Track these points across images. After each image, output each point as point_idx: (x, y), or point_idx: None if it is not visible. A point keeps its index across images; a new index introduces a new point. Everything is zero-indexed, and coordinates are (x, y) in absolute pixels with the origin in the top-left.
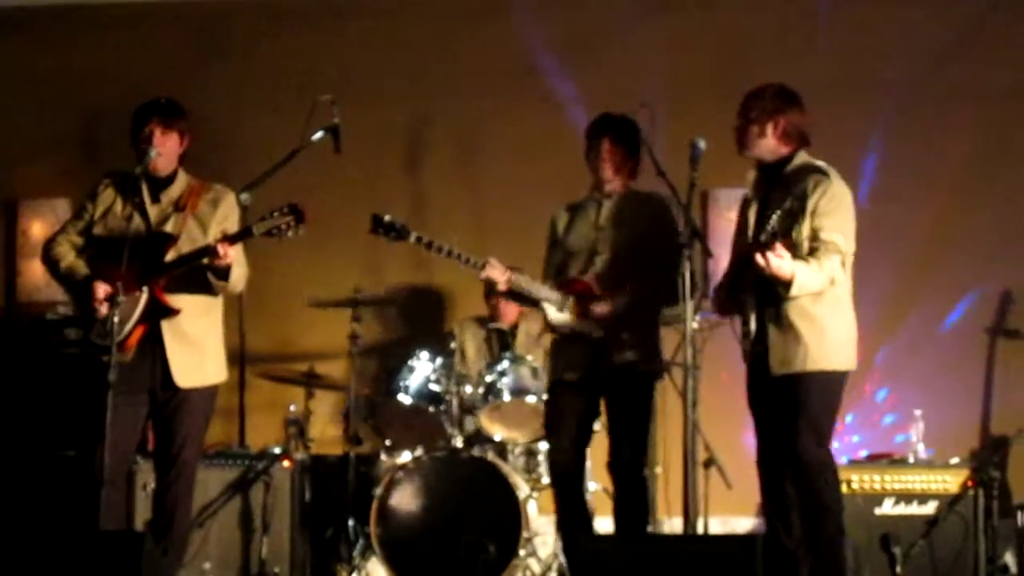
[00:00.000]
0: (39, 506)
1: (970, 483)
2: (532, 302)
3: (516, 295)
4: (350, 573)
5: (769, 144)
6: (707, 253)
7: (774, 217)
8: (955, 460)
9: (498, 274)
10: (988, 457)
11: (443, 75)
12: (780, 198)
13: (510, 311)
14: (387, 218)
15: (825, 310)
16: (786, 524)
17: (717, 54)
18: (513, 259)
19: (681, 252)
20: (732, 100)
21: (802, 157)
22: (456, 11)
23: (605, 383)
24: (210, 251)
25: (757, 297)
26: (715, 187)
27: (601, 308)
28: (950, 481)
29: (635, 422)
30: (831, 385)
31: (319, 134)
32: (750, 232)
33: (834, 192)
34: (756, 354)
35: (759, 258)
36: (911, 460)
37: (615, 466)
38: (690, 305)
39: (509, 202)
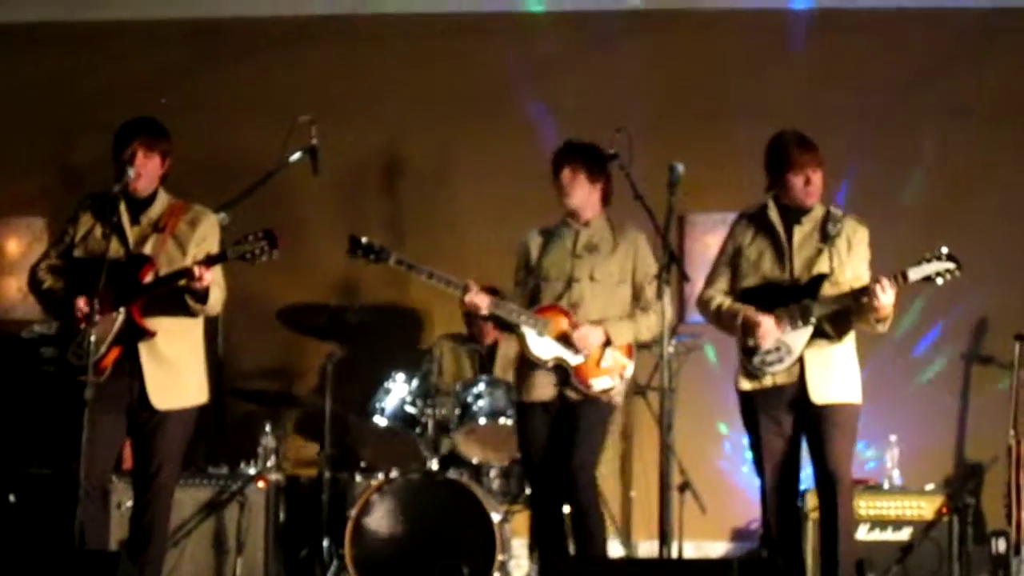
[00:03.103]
0: (14, 524)
1: (945, 510)
2: (509, 327)
3: (496, 319)
4: None
5: None
6: (684, 277)
7: (827, 257)
8: (930, 486)
9: (479, 299)
10: (963, 484)
11: (420, 96)
12: (815, 238)
13: (489, 330)
14: (364, 240)
15: (853, 348)
16: (799, 543)
17: (692, 79)
18: (490, 280)
19: (658, 281)
20: (707, 125)
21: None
22: (434, 32)
23: (574, 406)
24: (187, 274)
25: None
26: (692, 211)
27: (582, 333)
28: (925, 507)
29: (592, 441)
30: (858, 415)
31: (297, 155)
32: (787, 265)
33: (868, 240)
34: (780, 382)
35: (880, 289)
36: (886, 486)
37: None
38: (666, 329)
39: (486, 223)
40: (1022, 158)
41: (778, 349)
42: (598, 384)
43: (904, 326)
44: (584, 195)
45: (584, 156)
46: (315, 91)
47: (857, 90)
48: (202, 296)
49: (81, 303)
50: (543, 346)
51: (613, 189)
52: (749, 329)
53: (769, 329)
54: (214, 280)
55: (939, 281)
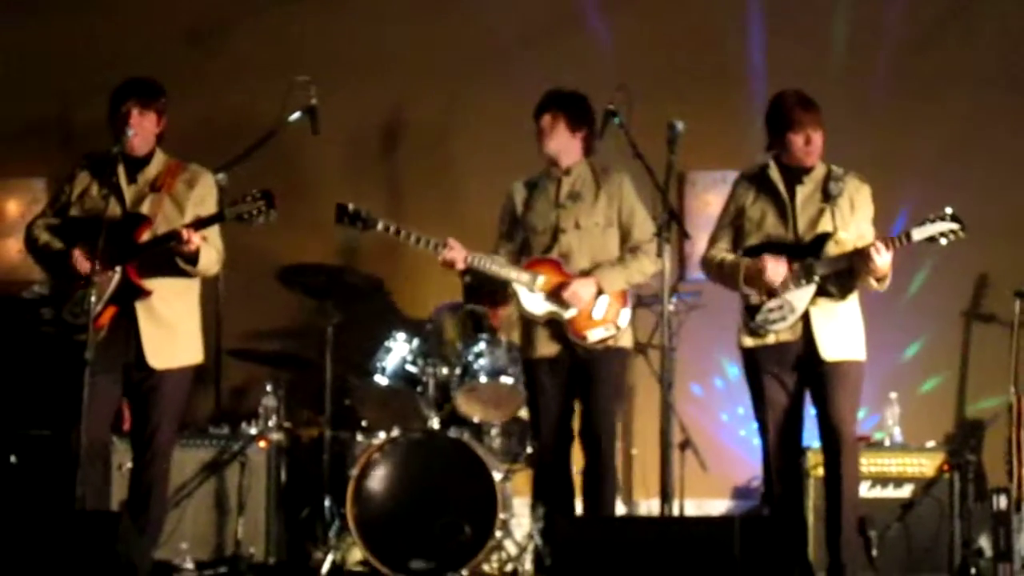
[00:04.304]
0: (15, 486)
1: (946, 467)
2: (499, 285)
3: (479, 278)
4: (325, 554)
5: None
6: (684, 235)
7: (829, 216)
8: (931, 444)
9: (455, 254)
10: (963, 441)
11: (422, 56)
12: (818, 198)
13: (495, 314)
14: (351, 207)
15: (857, 306)
16: (800, 501)
17: (692, 38)
18: (487, 241)
19: (658, 239)
20: (707, 83)
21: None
22: None
23: (580, 359)
24: (175, 236)
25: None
26: (691, 169)
27: (573, 290)
28: (926, 464)
29: (605, 395)
30: (862, 372)
31: (296, 115)
32: (790, 224)
33: (870, 197)
34: (784, 339)
35: (876, 252)
36: (887, 443)
37: (586, 438)
38: (666, 287)
39: (484, 185)
40: (1021, 116)
41: (781, 307)
42: (593, 335)
43: (904, 283)
44: (562, 142)
45: (566, 104)
46: (315, 52)
47: (856, 50)
48: (192, 258)
49: (80, 256)
50: (535, 302)
51: (602, 145)
52: (756, 276)
53: (775, 263)
54: (209, 242)
55: (943, 241)
